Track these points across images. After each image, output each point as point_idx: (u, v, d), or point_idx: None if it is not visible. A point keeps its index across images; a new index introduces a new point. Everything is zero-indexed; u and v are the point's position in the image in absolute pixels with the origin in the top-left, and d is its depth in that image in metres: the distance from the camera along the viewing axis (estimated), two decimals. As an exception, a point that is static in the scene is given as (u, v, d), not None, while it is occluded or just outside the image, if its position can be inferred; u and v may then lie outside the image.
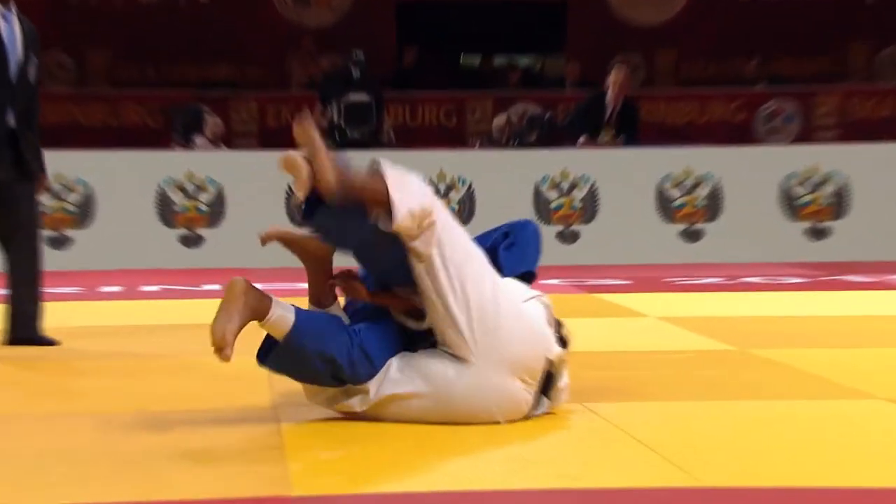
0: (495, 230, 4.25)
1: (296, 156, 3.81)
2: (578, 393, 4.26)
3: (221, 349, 3.72)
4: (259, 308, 3.80)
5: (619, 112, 11.61)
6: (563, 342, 4.12)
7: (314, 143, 3.81)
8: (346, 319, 4.01)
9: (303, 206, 3.84)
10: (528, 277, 4.19)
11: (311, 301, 4.03)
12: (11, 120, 5.84)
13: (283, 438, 3.78)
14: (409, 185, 3.82)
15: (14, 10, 5.93)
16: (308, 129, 3.82)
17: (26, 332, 5.92)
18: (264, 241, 4.03)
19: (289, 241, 4.05)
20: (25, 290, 5.92)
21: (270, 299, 3.84)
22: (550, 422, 4.03)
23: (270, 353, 3.85)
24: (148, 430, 3.93)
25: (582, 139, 11.67)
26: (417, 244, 3.81)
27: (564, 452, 3.68)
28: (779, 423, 4.06)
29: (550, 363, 4.01)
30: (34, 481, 3.32)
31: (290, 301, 3.93)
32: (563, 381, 4.11)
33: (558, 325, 4.13)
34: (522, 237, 4.25)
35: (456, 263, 3.86)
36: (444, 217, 3.88)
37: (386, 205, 3.74)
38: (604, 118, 11.62)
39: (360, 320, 3.99)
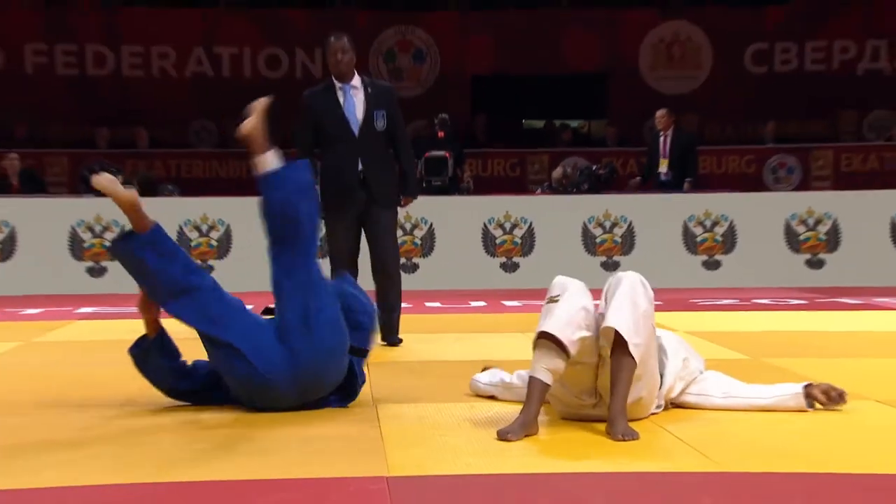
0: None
1: None
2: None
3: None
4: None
5: (673, 141, 11.50)
6: None
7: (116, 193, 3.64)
8: None
9: None
10: None
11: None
12: (360, 166, 5.94)
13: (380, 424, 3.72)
14: None
15: (360, 80, 6.02)
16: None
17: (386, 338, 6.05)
18: None
19: None
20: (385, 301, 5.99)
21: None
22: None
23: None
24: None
25: (633, 182, 11.64)
26: None
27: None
28: (785, 420, 3.96)
29: None
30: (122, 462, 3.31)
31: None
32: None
33: None
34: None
35: None
36: None
37: None
38: (659, 150, 11.57)
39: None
